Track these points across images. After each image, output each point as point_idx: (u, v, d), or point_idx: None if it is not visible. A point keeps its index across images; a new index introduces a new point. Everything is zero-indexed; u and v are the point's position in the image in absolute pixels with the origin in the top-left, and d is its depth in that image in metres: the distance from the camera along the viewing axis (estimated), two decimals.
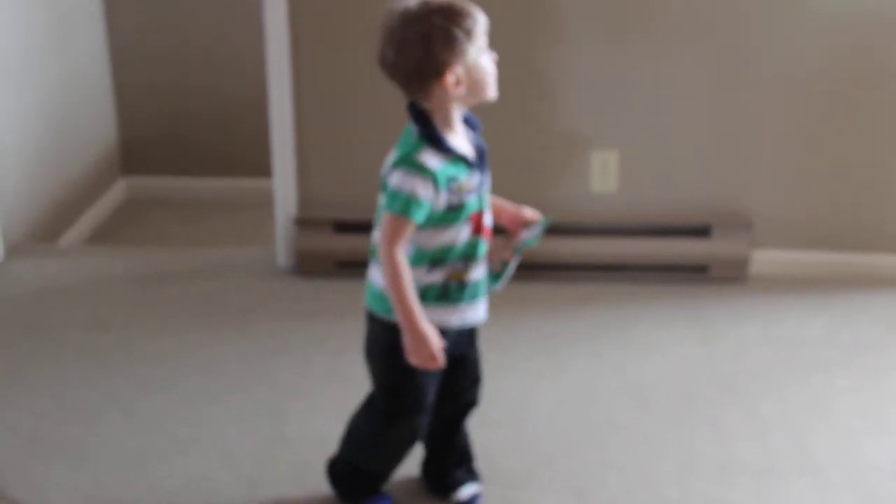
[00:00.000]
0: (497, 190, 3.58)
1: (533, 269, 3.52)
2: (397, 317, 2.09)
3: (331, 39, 3.48)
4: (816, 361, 3.05)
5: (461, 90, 2.05)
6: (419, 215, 2.05)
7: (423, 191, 2.04)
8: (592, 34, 3.43)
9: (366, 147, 3.45)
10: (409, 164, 2.06)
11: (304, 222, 3.57)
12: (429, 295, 2.14)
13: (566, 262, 3.52)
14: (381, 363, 2.23)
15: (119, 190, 4.78)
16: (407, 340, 2.09)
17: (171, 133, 4.77)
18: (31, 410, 2.84)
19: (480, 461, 2.57)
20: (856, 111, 3.42)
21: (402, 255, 2.07)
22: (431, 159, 2.06)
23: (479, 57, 2.06)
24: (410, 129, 2.10)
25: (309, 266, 3.56)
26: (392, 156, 2.12)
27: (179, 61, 4.66)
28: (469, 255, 2.16)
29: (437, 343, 2.08)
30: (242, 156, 4.67)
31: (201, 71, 4.66)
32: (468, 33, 2.02)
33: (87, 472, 2.58)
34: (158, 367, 3.05)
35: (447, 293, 2.15)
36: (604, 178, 3.53)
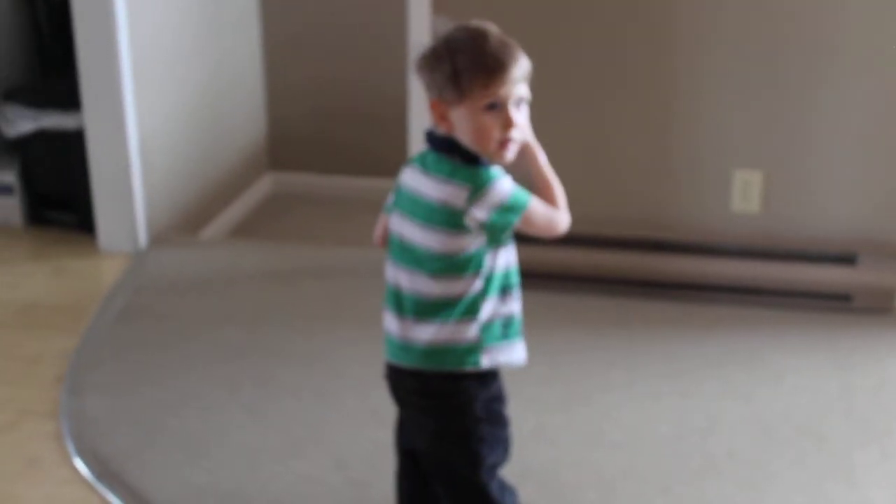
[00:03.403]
0: (633, 204, 3.53)
1: (664, 288, 3.43)
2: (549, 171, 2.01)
3: None
4: None
5: (446, 126, 1.93)
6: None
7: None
8: (743, 51, 3.31)
9: None
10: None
11: None
12: (494, 329, 1.98)
13: (700, 282, 3.41)
14: (477, 418, 2.00)
15: (265, 184, 4.87)
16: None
17: (320, 130, 4.83)
18: (156, 400, 2.91)
19: (596, 483, 2.51)
20: None
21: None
22: None
23: (475, 112, 1.88)
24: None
25: None
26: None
27: (332, 59, 4.70)
28: (517, 281, 2.03)
29: None
30: (389, 156, 4.69)
31: (353, 70, 4.70)
32: (458, 85, 1.87)
33: (202, 466, 2.62)
34: (284, 365, 3.08)
35: (511, 325, 2.01)
36: (745, 197, 3.41)
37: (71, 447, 2.69)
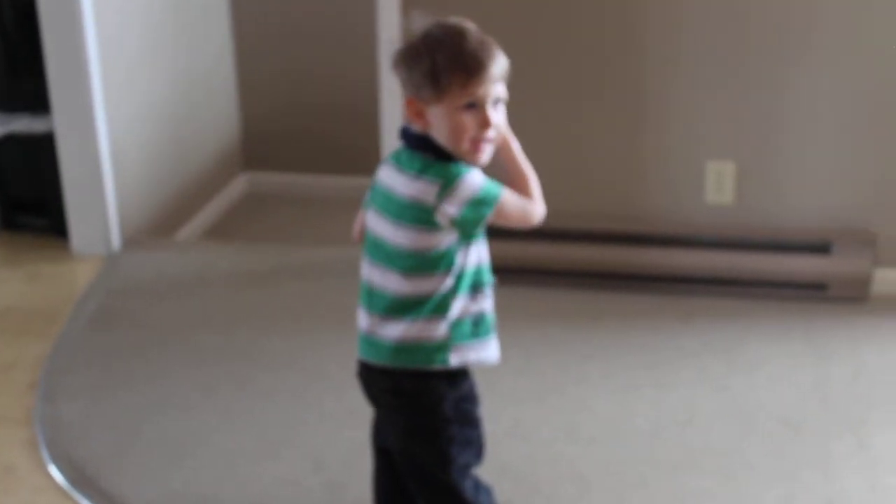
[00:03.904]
0: (607, 197, 3.53)
1: (640, 281, 3.44)
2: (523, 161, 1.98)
3: None
4: None
5: (422, 123, 1.91)
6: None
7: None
8: (714, 42, 3.31)
9: None
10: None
11: None
12: (464, 327, 1.96)
13: (675, 274, 3.41)
14: (447, 418, 1.98)
15: (240, 184, 4.85)
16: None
17: (294, 129, 4.81)
18: (131, 405, 2.89)
19: (573, 477, 2.51)
20: None
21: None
22: None
23: (452, 111, 1.86)
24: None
25: None
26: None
27: (304, 57, 4.69)
28: (488, 279, 2.01)
29: None
30: (364, 153, 4.67)
31: (326, 67, 4.68)
32: (436, 83, 1.84)
33: (180, 470, 2.60)
34: (260, 367, 3.06)
35: (481, 323, 1.98)
36: (719, 188, 3.41)
37: (45, 454, 2.67)
